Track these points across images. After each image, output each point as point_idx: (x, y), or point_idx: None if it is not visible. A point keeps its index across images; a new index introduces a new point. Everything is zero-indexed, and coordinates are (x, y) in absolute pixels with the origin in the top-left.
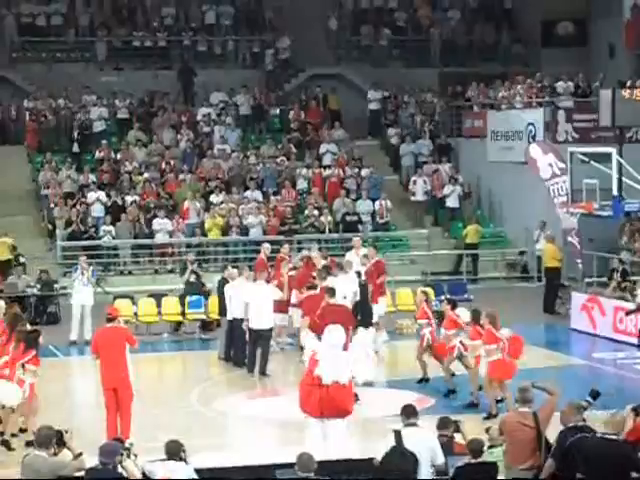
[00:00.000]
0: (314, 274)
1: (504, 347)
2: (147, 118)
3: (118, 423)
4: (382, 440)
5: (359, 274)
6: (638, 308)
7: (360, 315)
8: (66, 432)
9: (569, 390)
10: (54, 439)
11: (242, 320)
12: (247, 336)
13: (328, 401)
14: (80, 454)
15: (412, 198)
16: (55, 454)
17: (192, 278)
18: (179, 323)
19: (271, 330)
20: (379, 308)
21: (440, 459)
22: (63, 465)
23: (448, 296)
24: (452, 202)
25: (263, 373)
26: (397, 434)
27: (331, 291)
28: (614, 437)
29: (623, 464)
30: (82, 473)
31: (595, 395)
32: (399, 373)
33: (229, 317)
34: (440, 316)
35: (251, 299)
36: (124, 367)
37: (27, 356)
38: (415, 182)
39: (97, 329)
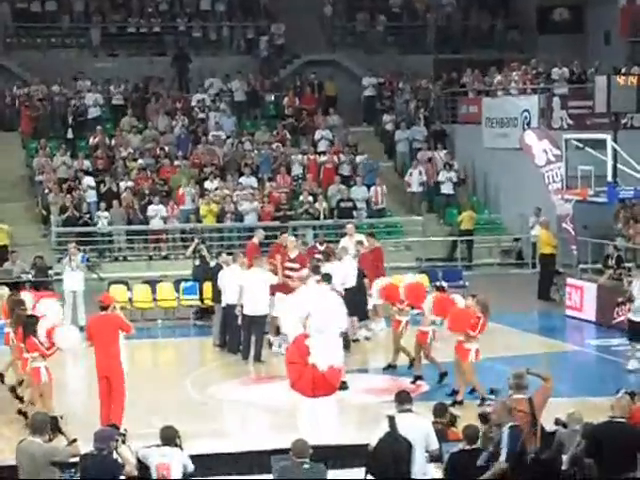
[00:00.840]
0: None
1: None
2: (141, 104)
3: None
4: (377, 426)
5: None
6: (629, 298)
7: (353, 304)
8: (61, 418)
9: (563, 376)
10: (49, 425)
11: (236, 306)
12: (240, 321)
13: (320, 381)
14: (74, 440)
15: (408, 189)
16: (50, 440)
17: (197, 262)
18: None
19: (266, 316)
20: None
21: (434, 445)
22: (57, 451)
23: (436, 283)
24: (447, 189)
25: (258, 359)
26: (391, 420)
27: (327, 277)
28: (622, 420)
29: (634, 446)
30: (77, 459)
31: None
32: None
33: (223, 304)
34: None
35: (245, 284)
36: (116, 355)
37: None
38: (411, 174)
39: (90, 317)
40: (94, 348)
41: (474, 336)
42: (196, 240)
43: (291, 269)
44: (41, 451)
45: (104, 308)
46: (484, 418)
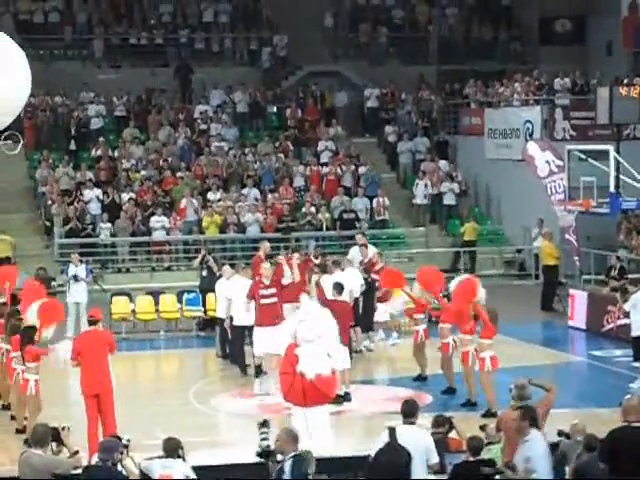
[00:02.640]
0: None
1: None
2: (144, 116)
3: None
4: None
5: (366, 271)
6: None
7: (361, 315)
8: (62, 429)
9: (566, 387)
10: (50, 437)
11: (224, 319)
12: (229, 333)
13: (311, 390)
14: (77, 452)
15: (413, 201)
16: (55, 452)
17: (205, 272)
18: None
19: None
20: (388, 308)
21: (434, 459)
22: (59, 463)
23: (444, 292)
24: (449, 199)
25: (260, 371)
26: (391, 431)
27: (339, 287)
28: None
29: None
30: (78, 471)
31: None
32: (397, 370)
33: (220, 315)
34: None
35: (233, 296)
36: (106, 372)
37: (30, 356)
38: (417, 185)
39: (78, 335)
40: (81, 366)
41: (488, 344)
42: (203, 251)
43: (264, 296)
44: (42, 463)
45: (93, 323)
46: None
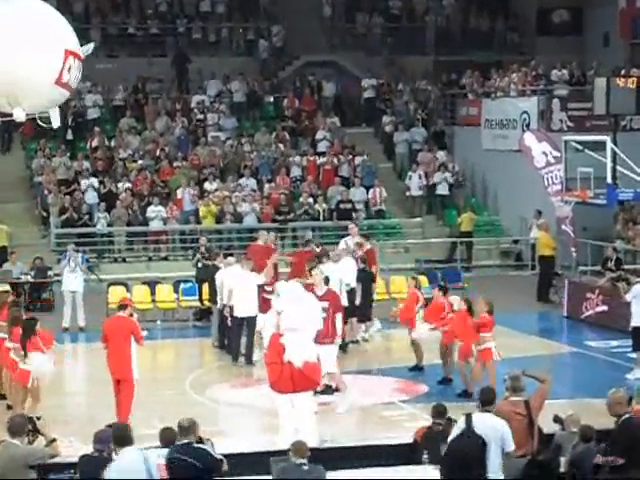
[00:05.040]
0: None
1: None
2: (141, 105)
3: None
4: (377, 426)
5: (363, 261)
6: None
7: (354, 305)
8: (38, 419)
9: (562, 378)
10: (27, 427)
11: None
12: (229, 323)
13: (299, 377)
14: (54, 440)
15: (407, 193)
16: (30, 442)
17: (199, 264)
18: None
19: (255, 317)
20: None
21: (510, 447)
22: (36, 452)
23: (441, 283)
24: (442, 189)
25: (249, 361)
26: (467, 417)
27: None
28: None
29: None
30: (58, 459)
31: None
32: (392, 361)
33: (219, 305)
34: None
35: (234, 285)
36: (128, 359)
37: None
38: (411, 177)
39: (106, 319)
40: (107, 350)
41: (490, 336)
42: (198, 256)
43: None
44: (20, 453)
45: (122, 307)
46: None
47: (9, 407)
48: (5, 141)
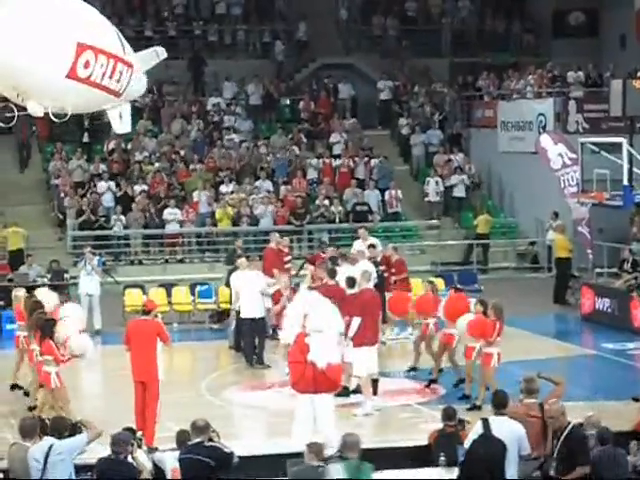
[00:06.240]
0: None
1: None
2: (157, 108)
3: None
4: (393, 429)
5: (377, 264)
6: None
7: None
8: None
9: (578, 380)
10: (38, 429)
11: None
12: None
13: (321, 378)
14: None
15: (426, 199)
16: None
17: (231, 266)
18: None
19: (263, 318)
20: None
21: (526, 449)
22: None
23: (456, 285)
24: (459, 192)
25: (261, 362)
26: (485, 422)
27: (332, 272)
28: None
29: None
30: (77, 461)
31: None
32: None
33: (235, 307)
34: None
35: (241, 288)
36: (153, 362)
37: (47, 348)
38: (428, 182)
39: (130, 321)
40: (130, 352)
41: (492, 341)
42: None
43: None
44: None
45: (146, 312)
46: None
47: (30, 409)
48: (23, 158)
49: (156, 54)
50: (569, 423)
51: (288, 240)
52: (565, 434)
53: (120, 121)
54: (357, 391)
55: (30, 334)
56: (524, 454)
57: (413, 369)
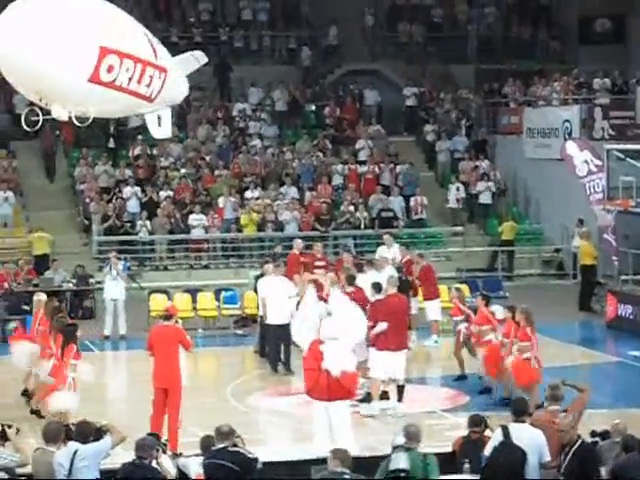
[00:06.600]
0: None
1: (534, 346)
2: (183, 114)
3: (165, 424)
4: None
5: (399, 270)
6: None
7: None
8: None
9: (603, 387)
10: (62, 434)
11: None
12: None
13: (335, 386)
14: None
15: (447, 206)
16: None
17: (258, 272)
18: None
19: (289, 325)
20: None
21: (547, 457)
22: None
23: (483, 292)
24: (485, 198)
25: (288, 369)
26: (504, 429)
27: (351, 279)
28: None
29: None
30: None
31: None
32: (435, 370)
33: (261, 313)
34: (474, 312)
35: (268, 294)
36: (176, 368)
37: (71, 352)
38: (450, 189)
39: (153, 327)
40: (154, 359)
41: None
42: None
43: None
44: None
45: (167, 318)
46: None
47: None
48: (51, 168)
49: (195, 59)
50: (579, 437)
51: (321, 246)
52: (575, 448)
53: (158, 126)
54: (383, 397)
55: (50, 337)
56: (545, 461)
57: (462, 377)
